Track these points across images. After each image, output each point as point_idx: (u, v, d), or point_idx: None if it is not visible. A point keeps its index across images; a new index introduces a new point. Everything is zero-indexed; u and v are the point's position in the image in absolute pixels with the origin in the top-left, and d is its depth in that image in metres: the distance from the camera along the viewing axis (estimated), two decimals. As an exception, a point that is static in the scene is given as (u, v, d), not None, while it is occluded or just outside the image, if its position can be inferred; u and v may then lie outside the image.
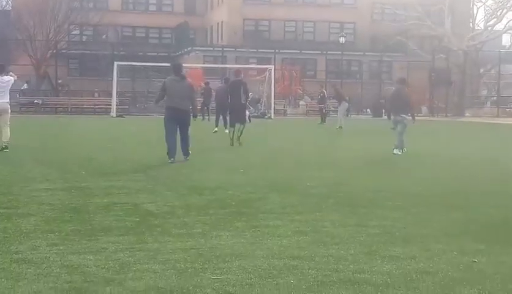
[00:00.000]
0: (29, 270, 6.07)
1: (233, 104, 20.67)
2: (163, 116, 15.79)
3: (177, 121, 15.40)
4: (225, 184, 11.73)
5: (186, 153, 15.63)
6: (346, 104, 35.00)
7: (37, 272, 5.99)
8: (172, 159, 15.17)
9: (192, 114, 15.71)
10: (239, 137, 20.57)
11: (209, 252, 6.80)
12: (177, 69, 15.92)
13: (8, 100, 17.48)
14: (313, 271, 6.14)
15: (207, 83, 40.47)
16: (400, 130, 18.27)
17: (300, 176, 13.22)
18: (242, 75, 21.65)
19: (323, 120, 37.71)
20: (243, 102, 20.70)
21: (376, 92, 56.15)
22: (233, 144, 20.47)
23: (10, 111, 17.73)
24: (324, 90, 39.60)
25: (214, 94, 34.14)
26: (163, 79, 16.68)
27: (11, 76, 17.75)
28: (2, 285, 5.61)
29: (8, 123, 17.36)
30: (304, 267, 6.28)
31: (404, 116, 18.41)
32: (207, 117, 37.61)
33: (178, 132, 15.46)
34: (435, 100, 58.74)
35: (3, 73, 17.49)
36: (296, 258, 6.58)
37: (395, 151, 17.86)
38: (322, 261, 6.50)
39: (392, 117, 18.83)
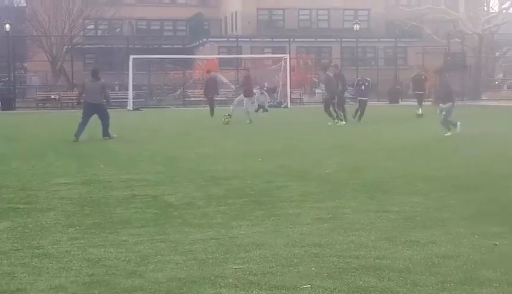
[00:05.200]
0: (50, 264, 6.09)
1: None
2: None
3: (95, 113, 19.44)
4: (244, 173, 11.73)
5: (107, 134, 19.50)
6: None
7: (58, 266, 6.01)
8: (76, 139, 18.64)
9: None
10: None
11: (230, 242, 6.80)
12: (94, 73, 20.08)
13: None
14: (334, 258, 6.12)
15: (208, 71, 37.29)
16: (444, 116, 19.18)
17: (318, 163, 13.19)
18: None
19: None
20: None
21: (392, 78, 55.86)
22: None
23: None
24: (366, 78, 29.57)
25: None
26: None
27: None
28: (24, 280, 5.64)
29: None
30: (325, 254, 6.26)
31: (443, 105, 19.24)
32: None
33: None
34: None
35: None
36: (316, 246, 6.57)
37: (448, 134, 18.91)
38: (343, 248, 6.48)
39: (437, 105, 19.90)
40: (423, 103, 30.34)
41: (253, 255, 6.29)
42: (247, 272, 5.74)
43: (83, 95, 20.33)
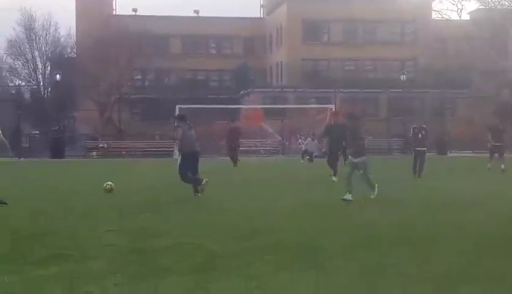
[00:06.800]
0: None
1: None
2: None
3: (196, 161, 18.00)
4: (284, 225, 11.68)
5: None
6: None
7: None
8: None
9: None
10: None
11: (274, 293, 6.79)
12: (183, 118, 18.32)
13: None
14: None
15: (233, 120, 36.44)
16: (362, 174, 16.12)
17: (361, 215, 13.12)
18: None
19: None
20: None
21: (440, 129, 55.41)
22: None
23: None
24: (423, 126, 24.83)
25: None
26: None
27: None
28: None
29: None
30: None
31: (355, 159, 16.00)
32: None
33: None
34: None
35: None
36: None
37: (347, 197, 15.26)
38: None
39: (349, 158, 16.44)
40: (504, 155, 28.01)
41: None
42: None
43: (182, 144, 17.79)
